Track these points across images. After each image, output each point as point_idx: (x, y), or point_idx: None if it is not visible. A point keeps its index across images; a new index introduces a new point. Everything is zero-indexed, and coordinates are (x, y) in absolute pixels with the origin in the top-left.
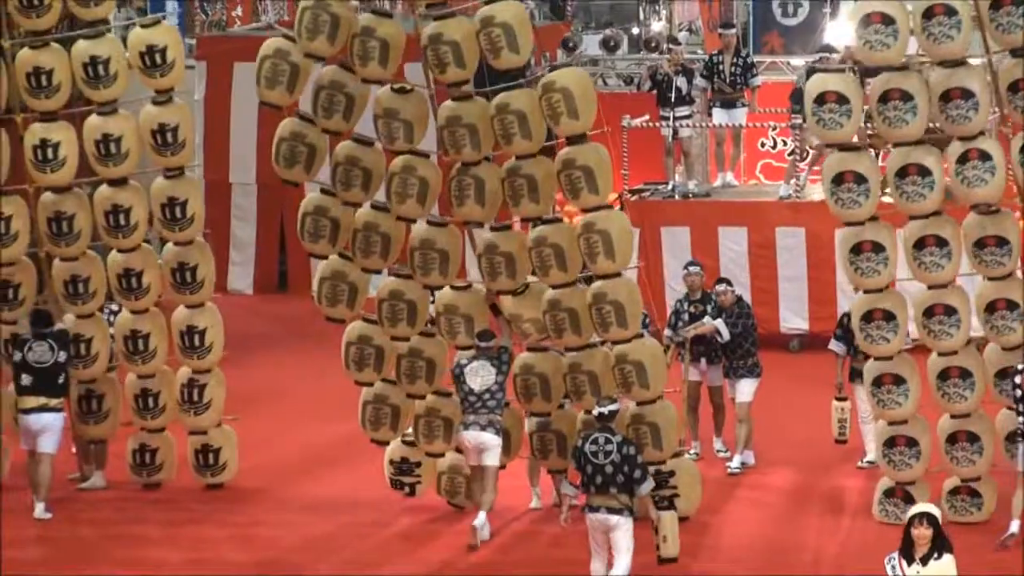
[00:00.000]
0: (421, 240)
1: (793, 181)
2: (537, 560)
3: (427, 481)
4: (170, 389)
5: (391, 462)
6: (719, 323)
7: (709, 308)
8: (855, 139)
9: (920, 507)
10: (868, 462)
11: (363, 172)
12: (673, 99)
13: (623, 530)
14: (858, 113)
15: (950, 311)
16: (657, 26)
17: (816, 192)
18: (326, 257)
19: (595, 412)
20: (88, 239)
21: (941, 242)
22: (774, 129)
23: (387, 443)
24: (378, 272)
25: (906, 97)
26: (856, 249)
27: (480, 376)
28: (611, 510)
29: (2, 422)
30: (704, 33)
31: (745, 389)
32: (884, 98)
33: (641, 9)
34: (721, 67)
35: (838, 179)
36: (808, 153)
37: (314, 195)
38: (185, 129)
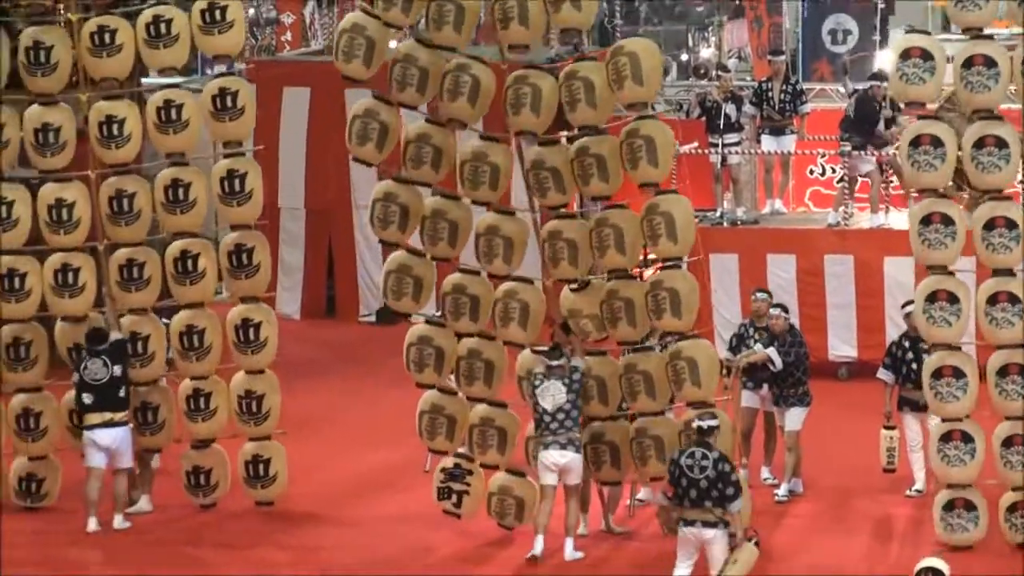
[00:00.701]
0: (487, 226)
1: (842, 209)
2: None
3: (476, 502)
4: (223, 396)
5: (442, 469)
6: (771, 352)
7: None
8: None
9: (926, 562)
10: (916, 491)
11: (433, 149)
12: (722, 126)
13: (719, 544)
14: (941, 71)
15: (1014, 299)
16: (706, 53)
17: (864, 220)
18: (396, 245)
19: (694, 426)
20: (148, 223)
21: (1011, 224)
22: (823, 156)
23: (445, 453)
24: (447, 261)
25: (990, 63)
26: (926, 220)
27: (551, 395)
28: (706, 524)
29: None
30: (753, 60)
31: (795, 418)
32: (968, 63)
33: (690, 36)
34: (770, 94)
35: (915, 142)
36: (857, 181)
37: (384, 182)
38: (244, 96)
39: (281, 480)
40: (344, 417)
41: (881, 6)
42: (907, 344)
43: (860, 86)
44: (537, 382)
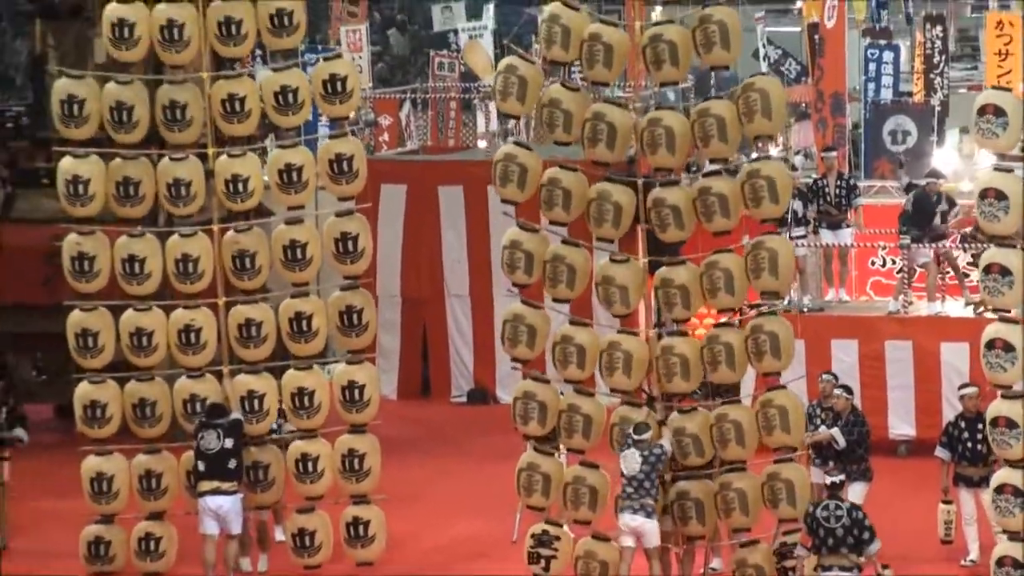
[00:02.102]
0: (603, 276)
1: (902, 297)
2: None
3: (564, 564)
4: (328, 459)
5: (532, 535)
6: (835, 432)
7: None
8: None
9: None
10: (971, 560)
11: (563, 192)
12: (789, 220)
13: None
14: (1016, 125)
15: None
16: (774, 151)
17: (922, 308)
18: (526, 286)
19: (827, 482)
20: (266, 277)
21: None
22: (884, 248)
23: (542, 509)
24: (567, 302)
25: None
26: (987, 269)
27: (627, 462)
28: (843, 568)
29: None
30: (818, 158)
31: (857, 492)
32: None
33: None
34: (826, 189)
35: (983, 194)
36: (915, 271)
37: (512, 229)
38: (359, 161)
39: (380, 541)
40: (434, 491)
41: (938, 108)
42: (963, 424)
43: (918, 182)
44: (624, 447)
